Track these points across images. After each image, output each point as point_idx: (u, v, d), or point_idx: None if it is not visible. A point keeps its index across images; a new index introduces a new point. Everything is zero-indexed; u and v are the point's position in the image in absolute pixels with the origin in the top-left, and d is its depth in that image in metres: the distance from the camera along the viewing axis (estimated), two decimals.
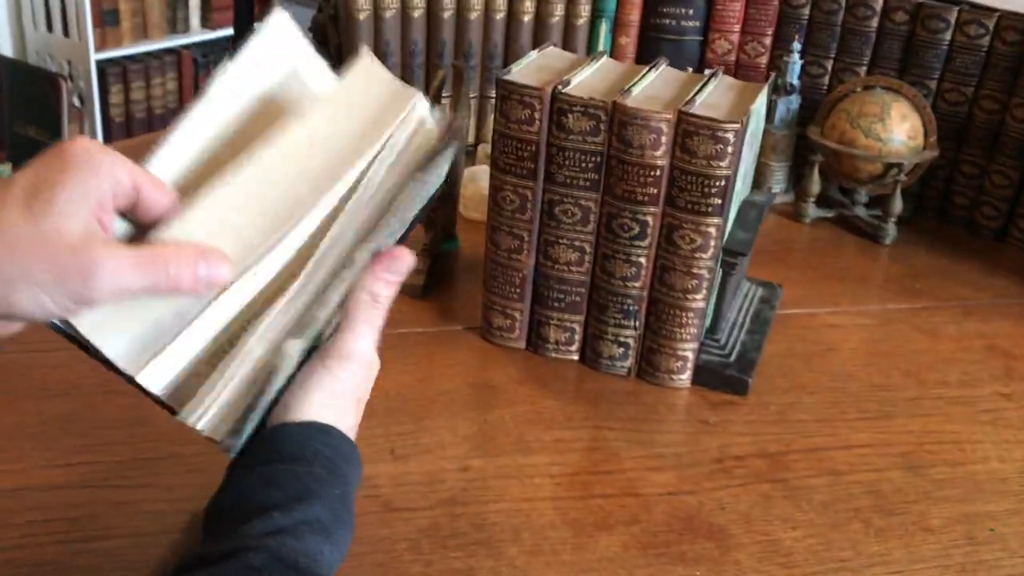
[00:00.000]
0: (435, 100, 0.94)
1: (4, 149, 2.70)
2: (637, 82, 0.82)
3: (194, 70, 3.05)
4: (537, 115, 0.79)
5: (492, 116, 1.33)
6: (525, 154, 0.81)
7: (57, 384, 0.79)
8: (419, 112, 0.56)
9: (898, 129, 1.13)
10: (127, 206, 0.49)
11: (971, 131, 1.18)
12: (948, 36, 1.16)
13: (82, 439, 0.73)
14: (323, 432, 0.53)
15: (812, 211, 1.20)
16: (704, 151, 0.76)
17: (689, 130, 0.76)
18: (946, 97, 1.19)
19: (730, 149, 0.75)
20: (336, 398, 0.54)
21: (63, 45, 2.73)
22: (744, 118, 0.76)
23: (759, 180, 1.23)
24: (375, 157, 0.54)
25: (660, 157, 0.77)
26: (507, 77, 0.80)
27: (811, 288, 1.04)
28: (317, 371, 0.53)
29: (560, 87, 0.79)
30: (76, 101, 2.76)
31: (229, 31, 3.06)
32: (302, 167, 0.53)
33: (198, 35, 3.05)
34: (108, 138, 2.85)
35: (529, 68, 0.84)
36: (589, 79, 0.83)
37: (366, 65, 0.58)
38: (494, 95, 1.32)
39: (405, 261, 0.55)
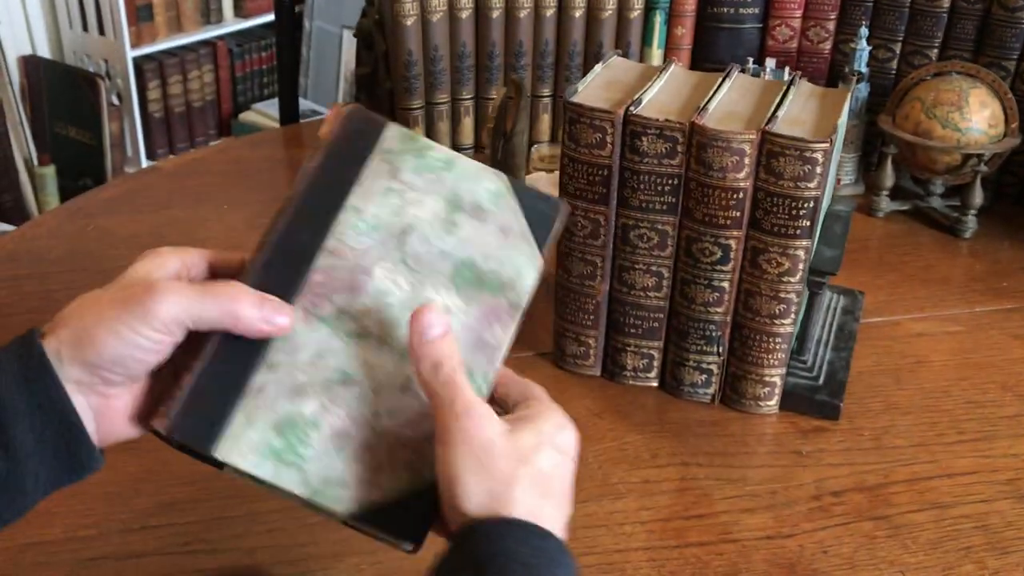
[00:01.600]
0: (499, 120, 0.90)
1: (46, 151, 2.71)
2: (712, 96, 0.77)
3: (230, 60, 3.02)
4: (609, 138, 0.75)
5: (544, 116, 1.29)
6: (597, 178, 0.77)
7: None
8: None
9: (977, 118, 1.07)
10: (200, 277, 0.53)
11: None
12: None
13: (156, 498, 0.71)
14: (509, 526, 0.47)
15: (886, 204, 1.15)
16: (791, 172, 0.71)
17: (774, 151, 0.72)
18: None
19: (819, 169, 0.71)
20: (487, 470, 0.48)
21: (99, 44, 2.71)
22: (832, 136, 0.71)
23: None
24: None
25: (743, 179, 0.73)
26: (575, 99, 0.76)
27: (893, 292, 0.99)
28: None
29: (632, 108, 0.75)
30: (115, 99, 2.75)
31: (263, 19, 3.03)
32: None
33: (232, 25, 3.01)
34: (148, 134, 2.84)
35: (595, 85, 0.80)
36: (660, 95, 0.79)
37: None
38: (546, 94, 1.29)
39: (426, 319, 0.50)
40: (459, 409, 0.48)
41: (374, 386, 0.51)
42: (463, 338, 0.52)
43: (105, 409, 0.50)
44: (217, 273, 0.54)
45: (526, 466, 0.48)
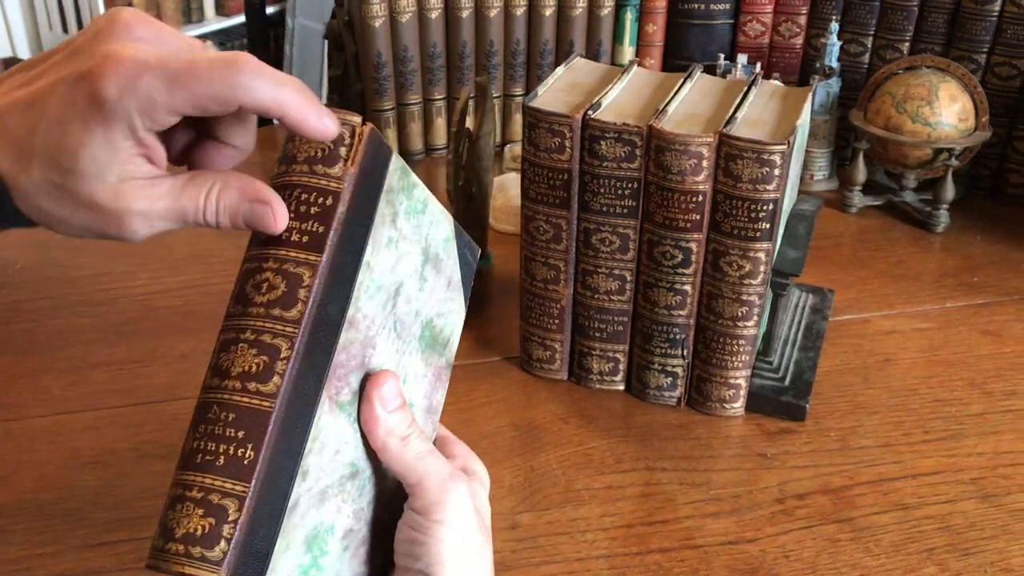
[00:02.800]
0: (461, 122, 0.89)
1: None
2: (672, 98, 0.77)
3: None
4: (568, 143, 0.75)
5: (517, 116, 1.29)
6: (557, 183, 0.76)
7: (88, 449, 0.76)
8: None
9: (947, 112, 1.07)
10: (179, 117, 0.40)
11: None
12: (997, 7, 1.10)
13: (117, 513, 0.71)
14: None
15: (858, 199, 1.14)
16: (749, 175, 0.71)
17: (732, 153, 0.71)
18: (996, 71, 1.12)
19: (777, 172, 0.71)
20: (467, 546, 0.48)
21: None
22: (791, 137, 0.71)
23: (801, 171, 1.18)
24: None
25: (702, 182, 0.73)
26: (534, 103, 0.75)
27: (863, 289, 0.99)
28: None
29: (591, 111, 0.74)
30: None
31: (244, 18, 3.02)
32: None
33: (214, 24, 3.00)
34: None
35: (557, 88, 0.79)
36: (620, 97, 0.78)
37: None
38: (518, 93, 1.28)
39: (390, 387, 0.46)
40: (441, 491, 0.47)
41: (369, 473, 0.47)
42: (420, 405, 0.50)
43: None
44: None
45: (486, 531, 0.50)
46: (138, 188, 0.40)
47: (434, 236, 0.50)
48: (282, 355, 0.41)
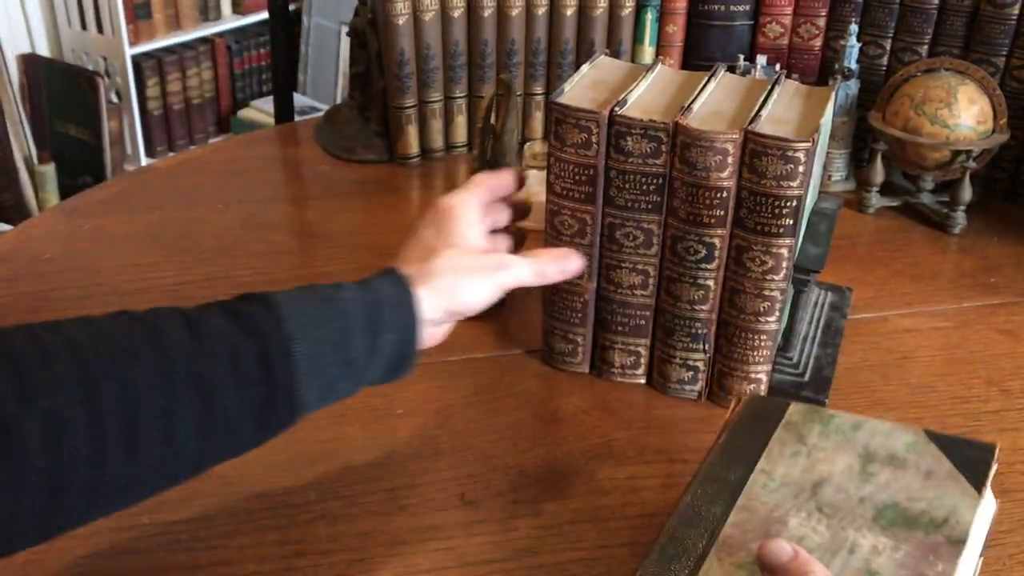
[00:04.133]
0: (486, 119, 0.90)
1: (46, 149, 2.72)
2: (696, 96, 0.78)
3: (228, 57, 3.03)
4: (594, 139, 0.76)
5: (537, 114, 1.30)
6: (583, 178, 0.78)
7: None
8: None
9: (965, 114, 1.08)
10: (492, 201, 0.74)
11: None
12: (1016, 11, 1.11)
13: None
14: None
15: (876, 200, 1.15)
16: (773, 171, 0.72)
17: (757, 150, 0.72)
18: (1015, 75, 1.13)
19: (801, 169, 0.72)
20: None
21: (98, 42, 2.72)
22: (815, 135, 0.72)
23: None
24: None
25: (726, 178, 0.74)
26: (560, 100, 0.77)
27: (881, 288, 1.00)
28: None
29: (617, 108, 0.75)
30: (114, 97, 2.76)
31: (261, 16, 3.03)
32: None
33: (230, 22, 3.02)
34: (147, 132, 2.85)
35: (582, 85, 0.81)
36: (646, 95, 0.80)
37: None
38: (538, 91, 1.29)
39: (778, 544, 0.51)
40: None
41: None
42: (896, 574, 0.53)
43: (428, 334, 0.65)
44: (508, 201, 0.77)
45: None
46: None
47: (881, 443, 0.61)
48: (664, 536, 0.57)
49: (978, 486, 0.57)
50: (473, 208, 0.69)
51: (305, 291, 0.58)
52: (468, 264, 0.65)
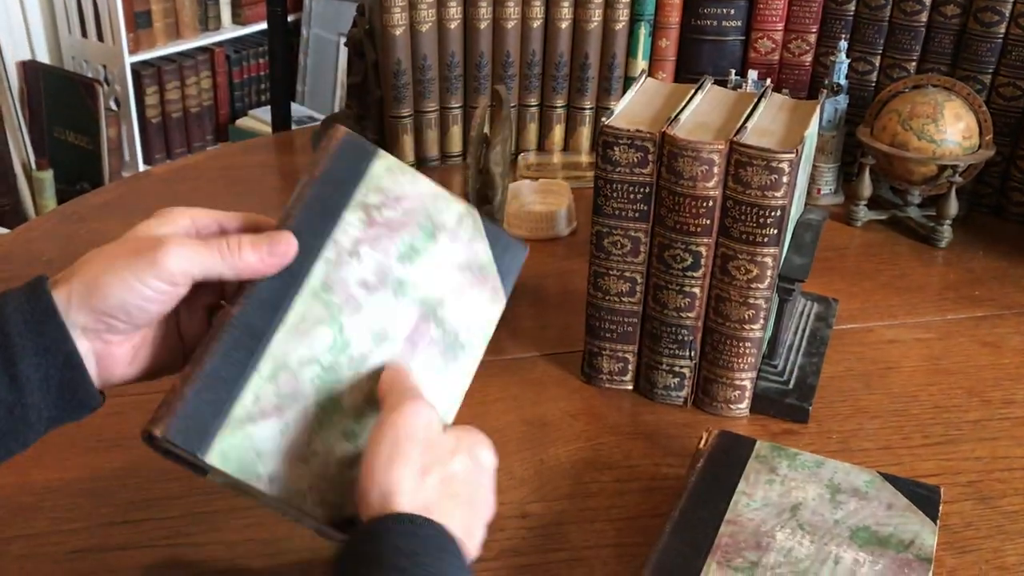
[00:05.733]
0: (480, 129, 0.92)
1: (45, 155, 2.73)
2: (684, 107, 0.80)
3: (227, 67, 3.05)
4: None
5: (531, 126, 1.31)
6: None
7: (112, 434, 0.79)
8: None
9: (952, 130, 1.09)
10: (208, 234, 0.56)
11: None
12: (1002, 29, 1.13)
13: (140, 493, 0.73)
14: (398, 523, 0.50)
15: (863, 214, 1.17)
16: (758, 182, 0.74)
17: (742, 160, 0.74)
18: (1001, 92, 1.15)
19: (785, 179, 0.73)
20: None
21: (98, 50, 2.74)
22: (799, 146, 0.74)
23: (808, 183, 1.21)
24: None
25: (712, 188, 0.75)
26: (610, 122, 0.78)
27: (867, 300, 1.02)
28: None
29: (605, 119, 0.77)
30: (113, 105, 2.77)
31: (260, 26, 3.06)
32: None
33: (230, 32, 3.04)
34: (146, 139, 2.86)
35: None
36: (633, 106, 0.81)
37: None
38: (533, 103, 1.31)
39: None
40: (401, 402, 0.53)
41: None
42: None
43: (106, 355, 0.54)
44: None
45: (441, 465, 0.52)
46: None
47: (844, 479, 0.70)
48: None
49: (933, 518, 0.67)
50: (182, 215, 0.57)
51: None
52: (110, 251, 0.53)
